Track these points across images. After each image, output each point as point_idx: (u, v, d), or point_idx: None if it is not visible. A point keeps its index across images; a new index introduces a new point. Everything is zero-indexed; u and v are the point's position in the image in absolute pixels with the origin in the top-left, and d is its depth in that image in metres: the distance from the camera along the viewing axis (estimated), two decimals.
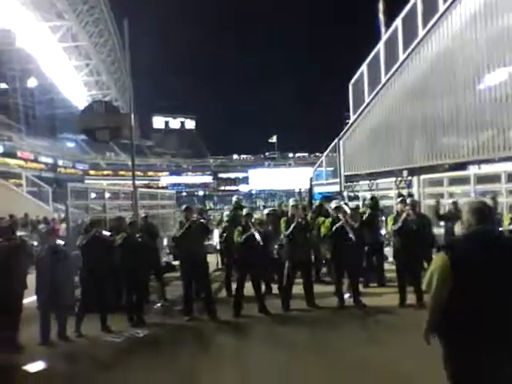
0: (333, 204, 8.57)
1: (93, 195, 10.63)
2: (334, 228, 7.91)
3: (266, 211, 9.67)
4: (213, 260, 10.87)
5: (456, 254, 2.79)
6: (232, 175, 76.45)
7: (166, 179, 69.40)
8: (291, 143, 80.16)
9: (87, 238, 7.02)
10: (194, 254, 7.56)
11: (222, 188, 74.45)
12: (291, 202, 8.65)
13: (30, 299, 6.64)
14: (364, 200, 11.59)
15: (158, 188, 51.79)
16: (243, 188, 71.08)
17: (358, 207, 10.17)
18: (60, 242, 7.07)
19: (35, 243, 7.96)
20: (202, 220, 8.06)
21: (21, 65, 45.19)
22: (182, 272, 7.99)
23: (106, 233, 7.42)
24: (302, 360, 5.50)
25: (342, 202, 9.12)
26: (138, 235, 7.77)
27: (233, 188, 73.79)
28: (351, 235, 7.81)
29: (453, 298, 2.73)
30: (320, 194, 16.84)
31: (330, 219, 8.17)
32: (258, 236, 7.59)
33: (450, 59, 12.33)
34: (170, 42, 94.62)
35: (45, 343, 6.33)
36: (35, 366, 5.54)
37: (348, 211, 8.34)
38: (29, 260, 6.74)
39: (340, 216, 7.98)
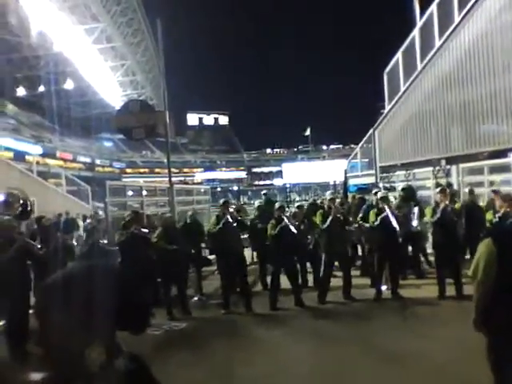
0: (379, 194, 8.46)
1: (130, 193, 10.87)
2: (379, 218, 7.82)
3: (296, 205, 9.67)
4: (247, 254, 10.93)
5: (501, 240, 2.73)
6: (266, 169, 76.49)
7: (200, 175, 70.16)
8: (325, 136, 79.37)
9: (126, 235, 7.18)
10: (232, 248, 7.62)
11: (256, 183, 74.57)
12: (328, 195, 8.60)
13: None
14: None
15: (194, 184, 52.37)
16: (277, 182, 70.99)
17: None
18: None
19: (74, 242, 8.19)
20: (239, 216, 8.11)
21: (58, 68, 46.46)
22: (220, 266, 8.08)
23: (144, 230, 7.57)
24: (340, 352, 5.47)
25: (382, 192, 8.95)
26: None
27: (267, 182, 73.79)
28: (396, 225, 7.74)
29: (499, 284, 2.67)
30: (355, 185, 16.63)
31: (375, 210, 8.08)
32: (291, 226, 7.59)
33: (488, 43, 11.92)
34: (203, 39, 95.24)
35: None
36: None
37: (393, 201, 8.26)
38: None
39: (385, 206, 7.89)
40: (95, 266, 1.31)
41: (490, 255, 2.72)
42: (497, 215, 6.75)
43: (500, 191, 8.13)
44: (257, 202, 10.30)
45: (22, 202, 6.07)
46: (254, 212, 9.98)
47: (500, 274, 2.66)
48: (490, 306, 2.75)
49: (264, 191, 10.59)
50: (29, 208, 6.64)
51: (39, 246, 6.32)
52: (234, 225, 7.70)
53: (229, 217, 7.70)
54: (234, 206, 8.55)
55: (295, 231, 7.64)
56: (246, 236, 10.30)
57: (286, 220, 7.67)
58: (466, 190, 9.65)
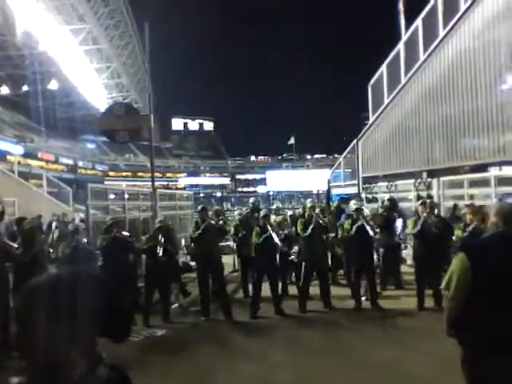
0: (352, 206, 8.51)
1: (112, 196, 10.77)
2: (354, 228, 7.88)
3: (289, 213, 9.74)
4: (229, 261, 10.92)
5: (476, 255, 2.76)
6: (250, 177, 76.51)
7: (184, 180, 69.75)
8: (309, 144, 79.90)
9: (107, 239, 7.12)
10: (209, 255, 7.62)
11: (240, 189, 74.59)
12: (308, 203, 8.64)
13: None
14: (382, 202, 11.51)
15: (177, 189, 52.12)
16: (261, 189, 71.10)
17: (376, 211, 10.10)
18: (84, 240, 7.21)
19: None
20: (218, 221, 8.10)
21: (43, 68, 45.92)
22: (198, 272, 8.06)
23: (126, 233, 7.53)
24: (320, 362, 5.49)
25: (359, 203, 9.05)
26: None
27: (250, 189, 73.82)
28: (372, 233, 7.83)
29: (472, 300, 2.70)
30: (338, 195, 16.75)
31: (349, 221, 8.14)
32: (275, 237, 7.61)
33: (471, 59, 12.18)
34: (189, 44, 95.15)
35: None
36: None
37: (368, 213, 8.34)
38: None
39: (360, 217, 7.96)
40: (80, 271, 1.30)
41: (463, 270, 2.74)
42: (467, 229, 6.83)
43: (473, 205, 8.20)
44: (237, 213, 10.32)
45: None
46: (235, 221, 10.01)
47: (474, 288, 2.69)
48: (463, 318, 2.78)
49: (252, 199, 10.57)
50: (0, 210, 6.66)
51: (16, 246, 6.25)
52: (212, 231, 7.69)
53: (212, 221, 7.70)
54: (210, 213, 8.50)
55: (278, 241, 7.67)
56: (229, 243, 10.31)
57: (270, 229, 7.68)
58: (447, 203, 9.77)
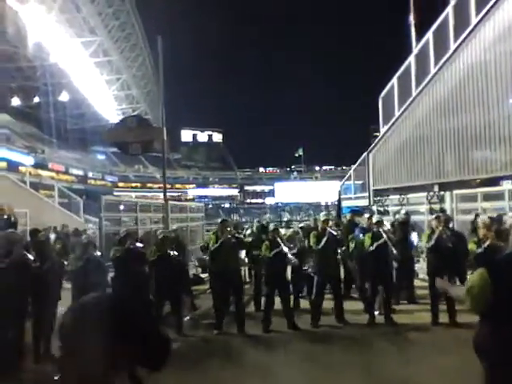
0: (374, 218, 8.47)
1: (121, 207, 10.80)
2: (375, 245, 7.82)
3: (300, 224, 9.75)
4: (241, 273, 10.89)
5: (498, 273, 2.74)
6: (258, 188, 76.63)
7: (193, 191, 69.99)
8: (317, 156, 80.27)
9: (121, 251, 7.13)
10: (227, 267, 7.57)
11: (248, 201, 74.68)
12: (321, 216, 8.61)
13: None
14: (395, 214, 11.43)
15: (186, 200, 52.23)
16: (269, 201, 71.14)
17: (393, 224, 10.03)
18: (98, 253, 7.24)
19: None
20: (236, 234, 8.08)
21: (54, 79, 46.46)
22: (213, 285, 8.02)
23: (139, 245, 7.54)
24: (331, 377, 5.44)
25: (377, 216, 9.00)
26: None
27: (259, 201, 73.93)
28: (394, 250, 7.79)
29: (492, 316, 2.68)
30: (348, 207, 16.68)
31: (370, 234, 8.06)
32: (287, 250, 7.58)
33: (482, 72, 12.14)
34: (198, 55, 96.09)
35: None
36: None
37: (388, 226, 8.31)
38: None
39: (381, 230, 7.90)
40: (121, 296, 1.31)
41: (482, 286, 2.72)
42: (483, 245, 6.58)
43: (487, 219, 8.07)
44: (248, 233, 10.43)
45: (5, 216, 6.27)
46: (247, 236, 10.05)
47: (494, 304, 2.67)
48: (483, 333, 2.76)
49: (266, 216, 10.57)
50: (12, 220, 6.79)
51: (33, 258, 6.28)
52: (232, 244, 7.67)
53: (229, 235, 7.67)
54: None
55: (289, 254, 7.65)
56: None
57: (280, 242, 7.65)
58: (460, 216, 9.71)
